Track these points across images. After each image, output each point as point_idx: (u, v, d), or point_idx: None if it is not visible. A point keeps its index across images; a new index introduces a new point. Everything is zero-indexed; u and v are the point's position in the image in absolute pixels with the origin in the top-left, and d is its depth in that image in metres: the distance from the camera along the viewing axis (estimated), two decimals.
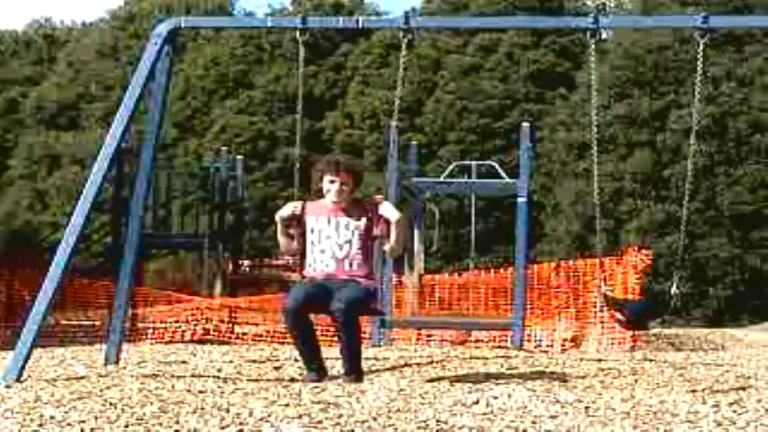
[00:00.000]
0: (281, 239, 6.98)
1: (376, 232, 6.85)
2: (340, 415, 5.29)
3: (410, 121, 44.72)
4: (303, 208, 6.87)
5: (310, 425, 5.06)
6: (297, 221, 6.88)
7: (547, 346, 14.08)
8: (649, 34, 39.68)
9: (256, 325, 17.95)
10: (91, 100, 54.52)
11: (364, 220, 6.81)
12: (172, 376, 7.02)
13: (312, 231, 6.84)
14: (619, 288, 14.31)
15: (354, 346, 6.66)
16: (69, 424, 5.05)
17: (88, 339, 14.93)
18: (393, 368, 7.83)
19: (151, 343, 14.15)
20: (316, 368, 6.75)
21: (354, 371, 6.68)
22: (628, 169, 39.34)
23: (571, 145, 41.20)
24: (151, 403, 5.60)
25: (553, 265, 17.29)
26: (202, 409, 5.45)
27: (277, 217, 6.92)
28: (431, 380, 6.98)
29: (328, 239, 6.80)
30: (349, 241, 6.78)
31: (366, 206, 6.93)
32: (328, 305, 6.57)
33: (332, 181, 6.79)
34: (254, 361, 8.29)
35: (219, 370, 7.53)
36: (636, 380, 7.18)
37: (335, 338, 6.92)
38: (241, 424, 5.07)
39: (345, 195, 6.80)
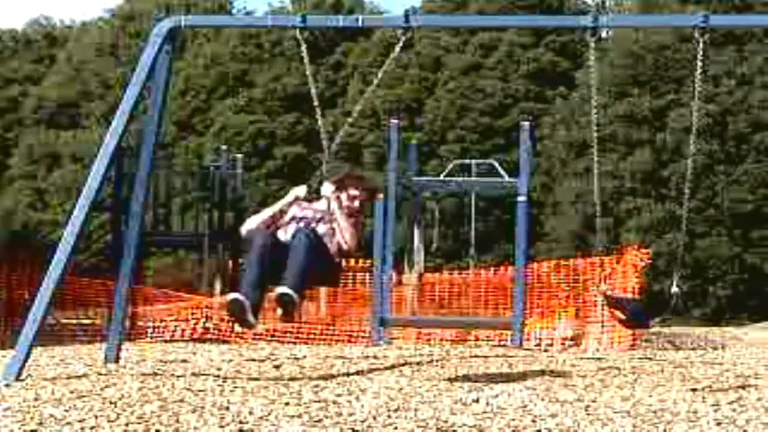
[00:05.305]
0: None
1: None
2: (340, 414, 5.29)
3: (410, 120, 44.67)
4: None
5: (310, 424, 5.06)
6: None
7: (547, 345, 14.08)
8: (649, 33, 39.66)
9: None
10: (91, 98, 54.48)
11: None
12: (172, 374, 7.02)
13: None
14: (619, 287, 14.30)
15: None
16: (69, 423, 5.05)
17: (87, 338, 14.94)
18: (393, 367, 7.83)
19: (151, 342, 14.16)
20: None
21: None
22: (628, 168, 39.32)
23: (571, 144, 41.18)
24: (151, 402, 5.60)
25: (553, 264, 17.27)
26: (202, 407, 5.45)
27: None
28: (431, 379, 6.97)
29: None
30: None
31: None
32: None
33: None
34: (254, 360, 8.29)
35: (219, 369, 7.52)
36: (636, 379, 7.17)
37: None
38: (240, 422, 5.07)
39: None
